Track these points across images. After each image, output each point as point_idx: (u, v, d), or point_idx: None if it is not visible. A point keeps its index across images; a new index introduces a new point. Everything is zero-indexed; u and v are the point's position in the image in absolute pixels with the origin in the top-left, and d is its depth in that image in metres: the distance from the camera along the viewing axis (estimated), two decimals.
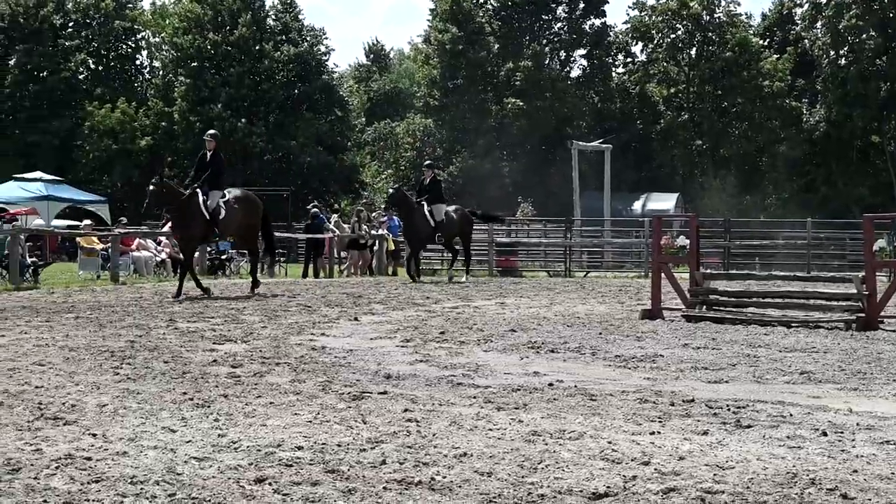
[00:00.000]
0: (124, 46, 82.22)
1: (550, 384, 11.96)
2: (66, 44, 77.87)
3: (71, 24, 79.58)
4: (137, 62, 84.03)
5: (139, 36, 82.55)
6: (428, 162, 36.28)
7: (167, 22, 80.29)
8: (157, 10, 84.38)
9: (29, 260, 29.62)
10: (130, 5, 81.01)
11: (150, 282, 29.56)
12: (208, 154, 25.40)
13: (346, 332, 17.23)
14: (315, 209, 40.17)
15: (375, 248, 38.66)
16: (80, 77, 79.47)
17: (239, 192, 26.83)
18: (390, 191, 33.23)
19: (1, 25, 75.32)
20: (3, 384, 11.64)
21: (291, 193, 64.86)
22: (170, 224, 28.27)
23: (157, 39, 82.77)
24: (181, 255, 27.74)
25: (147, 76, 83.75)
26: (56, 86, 75.89)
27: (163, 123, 75.73)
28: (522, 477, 7.78)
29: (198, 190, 24.88)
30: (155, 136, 75.46)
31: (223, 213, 25.09)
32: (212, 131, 27.28)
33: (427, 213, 32.17)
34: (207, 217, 24.84)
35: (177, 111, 75.03)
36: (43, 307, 20.77)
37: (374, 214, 40.31)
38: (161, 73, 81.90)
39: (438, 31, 78.23)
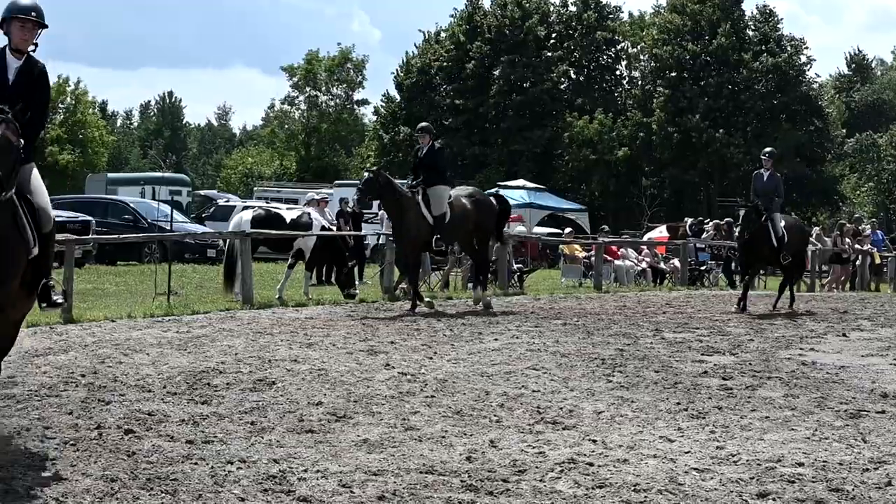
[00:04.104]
0: (604, 57, 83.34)
1: None
2: (549, 55, 79.68)
3: (554, 36, 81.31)
4: (617, 73, 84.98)
5: (619, 47, 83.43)
6: (423, 124, 24.46)
7: (646, 32, 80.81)
8: (636, 21, 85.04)
9: (514, 266, 30.51)
10: (612, 16, 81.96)
11: (632, 291, 29.83)
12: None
13: (835, 348, 16.81)
14: None
15: (857, 262, 37.53)
16: (561, 88, 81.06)
17: None
18: (365, 174, 22.62)
19: (487, 37, 77.85)
20: (502, 387, 12.07)
21: None
22: None
23: (635, 50, 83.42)
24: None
25: (626, 87, 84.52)
26: (538, 96, 77.67)
27: (640, 134, 76.25)
28: None
29: None
30: (632, 146, 76.13)
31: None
32: None
33: (420, 203, 21.65)
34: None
35: (655, 122, 75.42)
36: (531, 312, 21.35)
37: (862, 228, 39.01)
38: (640, 83, 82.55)
39: None
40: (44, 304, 9.45)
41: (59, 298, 9.61)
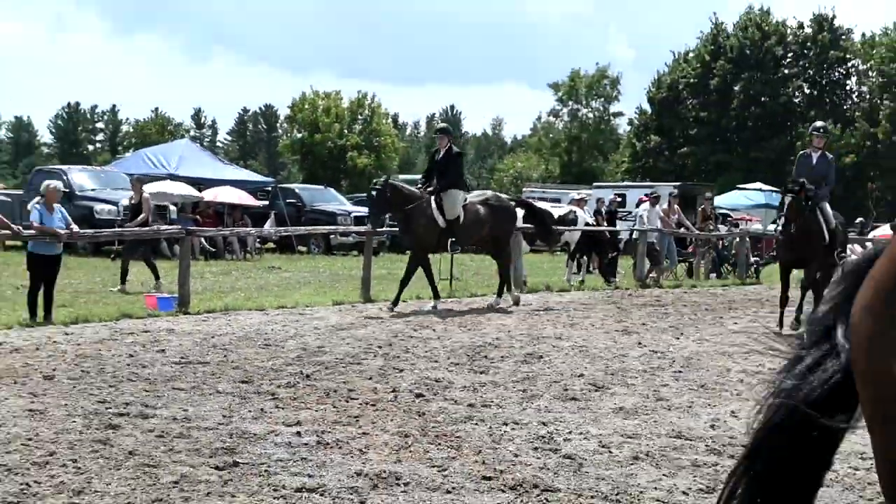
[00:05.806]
0: (836, 74, 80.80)
1: None
2: (785, 72, 77.85)
3: (790, 55, 79.30)
4: (847, 88, 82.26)
5: (849, 64, 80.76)
6: (442, 126, 21.43)
7: (874, 52, 77.97)
8: (867, 41, 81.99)
9: (752, 259, 29.88)
10: (844, 37, 79.42)
11: None
12: None
13: None
14: None
15: None
16: (795, 101, 79.02)
17: None
18: (373, 191, 18.79)
19: (730, 56, 76.44)
20: (742, 365, 11.85)
21: None
22: None
23: (864, 67, 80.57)
24: None
25: (854, 100, 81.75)
26: (774, 109, 76.09)
27: (867, 143, 73.78)
28: None
29: None
30: (859, 154, 73.73)
31: None
32: None
33: (434, 207, 18.26)
34: None
35: (880, 132, 72.85)
36: (766, 300, 20.91)
37: None
38: (867, 97, 79.74)
39: None
40: None
41: None
